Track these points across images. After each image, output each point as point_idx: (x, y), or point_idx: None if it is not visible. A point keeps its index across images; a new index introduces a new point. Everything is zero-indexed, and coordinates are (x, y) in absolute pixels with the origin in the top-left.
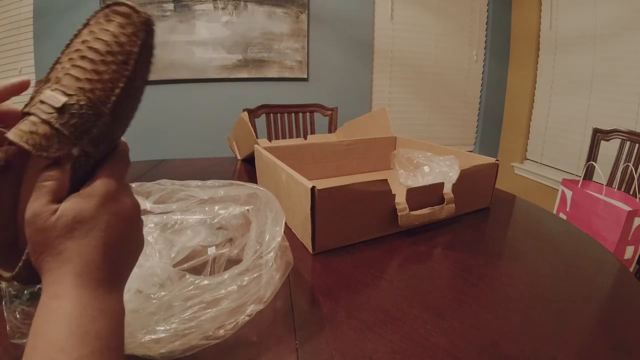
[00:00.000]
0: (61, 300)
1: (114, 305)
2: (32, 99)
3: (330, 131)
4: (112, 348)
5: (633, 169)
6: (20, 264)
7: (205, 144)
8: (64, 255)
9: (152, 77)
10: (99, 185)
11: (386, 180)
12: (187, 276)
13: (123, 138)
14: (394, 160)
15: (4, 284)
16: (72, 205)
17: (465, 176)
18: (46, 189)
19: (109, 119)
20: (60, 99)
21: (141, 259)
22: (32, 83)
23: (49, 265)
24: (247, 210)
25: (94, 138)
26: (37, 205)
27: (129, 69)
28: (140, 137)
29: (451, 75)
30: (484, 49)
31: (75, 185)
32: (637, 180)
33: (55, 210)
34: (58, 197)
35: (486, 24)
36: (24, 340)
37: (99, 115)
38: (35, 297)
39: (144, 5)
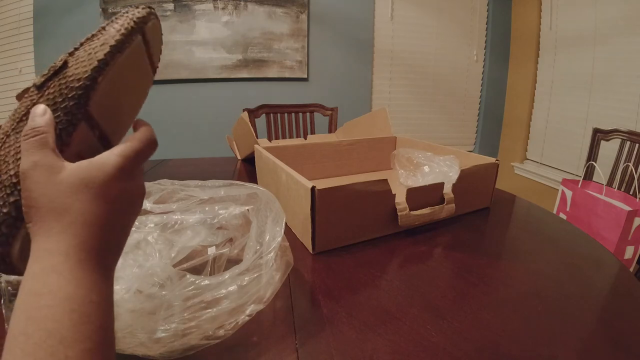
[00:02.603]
0: (62, 278)
1: (111, 289)
2: None
3: (330, 131)
4: (111, 339)
5: (633, 169)
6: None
7: (205, 144)
8: (68, 216)
9: None
10: (115, 158)
11: (386, 180)
12: (188, 276)
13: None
14: (394, 160)
15: (3, 283)
16: (83, 167)
17: (465, 176)
18: (40, 141)
19: (73, 72)
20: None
21: (141, 259)
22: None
23: (48, 225)
24: (247, 210)
25: (68, 91)
26: (38, 156)
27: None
28: None
29: (451, 75)
30: (484, 49)
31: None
32: (637, 180)
33: (61, 166)
34: (56, 153)
35: (486, 24)
36: None
37: (64, 66)
38: None
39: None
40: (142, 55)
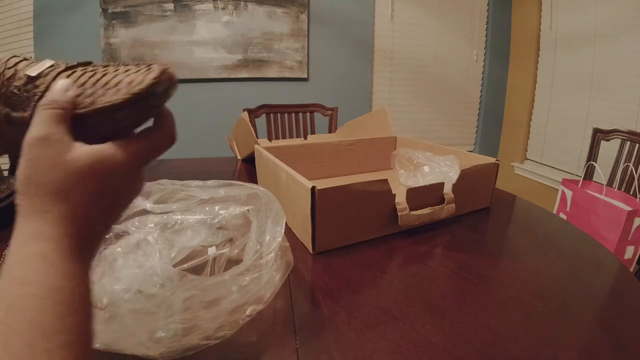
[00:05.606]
0: (51, 267)
1: (91, 280)
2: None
3: (330, 131)
4: (91, 333)
5: (633, 169)
6: None
7: (205, 144)
8: (70, 203)
9: None
10: (126, 154)
11: (386, 180)
12: (188, 276)
13: None
14: (394, 160)
15: None
16: (95, 152)
17: (465, 176)
18: (57, 113)
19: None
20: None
21: (141, 259)
22: None
23: (46, 206)
24: (247, 210)
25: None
26: (49, 129)
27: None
28: None
29: (451, 75)
30: (484, 49)
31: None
32: (637, 180)
33: (71, 147)
34: (69, 131)
35: (486, 24)
36: None
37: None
38: None
39: (144, 5)
40: None
